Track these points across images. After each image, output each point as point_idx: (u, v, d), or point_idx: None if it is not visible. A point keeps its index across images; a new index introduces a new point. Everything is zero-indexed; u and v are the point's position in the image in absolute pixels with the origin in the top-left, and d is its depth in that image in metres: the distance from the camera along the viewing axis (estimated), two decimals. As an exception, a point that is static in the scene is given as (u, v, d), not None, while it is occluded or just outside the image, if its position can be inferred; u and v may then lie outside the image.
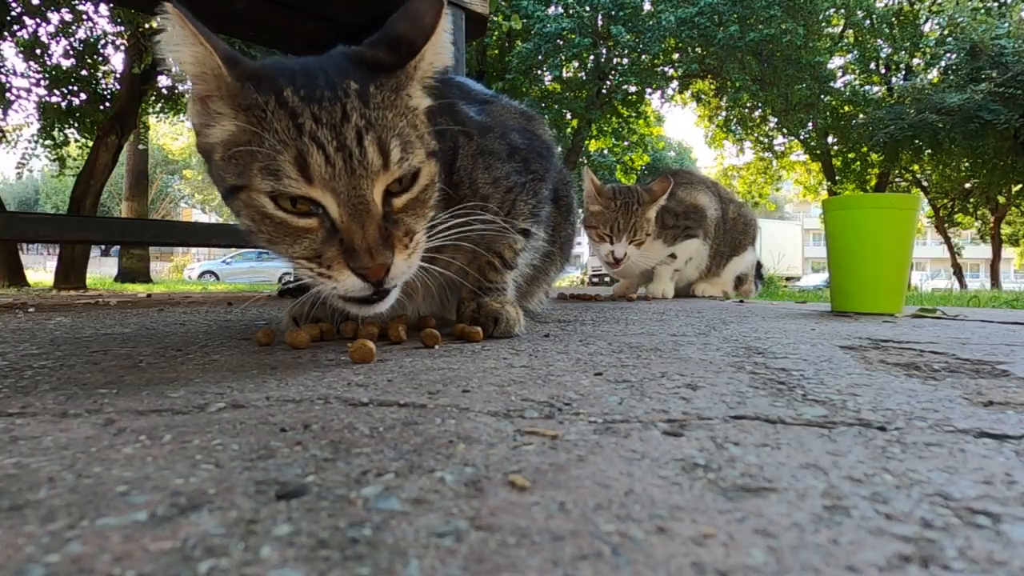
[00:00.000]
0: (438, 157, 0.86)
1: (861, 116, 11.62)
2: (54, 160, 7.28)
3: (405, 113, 0.79)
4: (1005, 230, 16.73)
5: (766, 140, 13.96)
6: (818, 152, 13.22)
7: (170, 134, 18.48)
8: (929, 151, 11.64)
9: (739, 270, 2.85)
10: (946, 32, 11.26)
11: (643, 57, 10.88)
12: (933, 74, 11.93)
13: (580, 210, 2.55)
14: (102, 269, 17.74)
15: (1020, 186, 12.53)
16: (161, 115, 9.02)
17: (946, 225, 14.95)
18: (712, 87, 12.81)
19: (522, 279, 1.26)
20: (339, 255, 0.73)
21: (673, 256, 2.67)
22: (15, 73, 6.53)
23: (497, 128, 1.11)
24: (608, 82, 11.49)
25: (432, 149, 0.83)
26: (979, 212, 15.08)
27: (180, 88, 8.06)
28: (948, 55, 11.22)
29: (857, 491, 0.36)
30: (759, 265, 3.16)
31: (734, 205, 2.92)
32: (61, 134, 7.14)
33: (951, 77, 10.99)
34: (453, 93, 1.08)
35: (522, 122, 1.23)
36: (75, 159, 7.89)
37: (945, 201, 14.67)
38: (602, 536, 0.30)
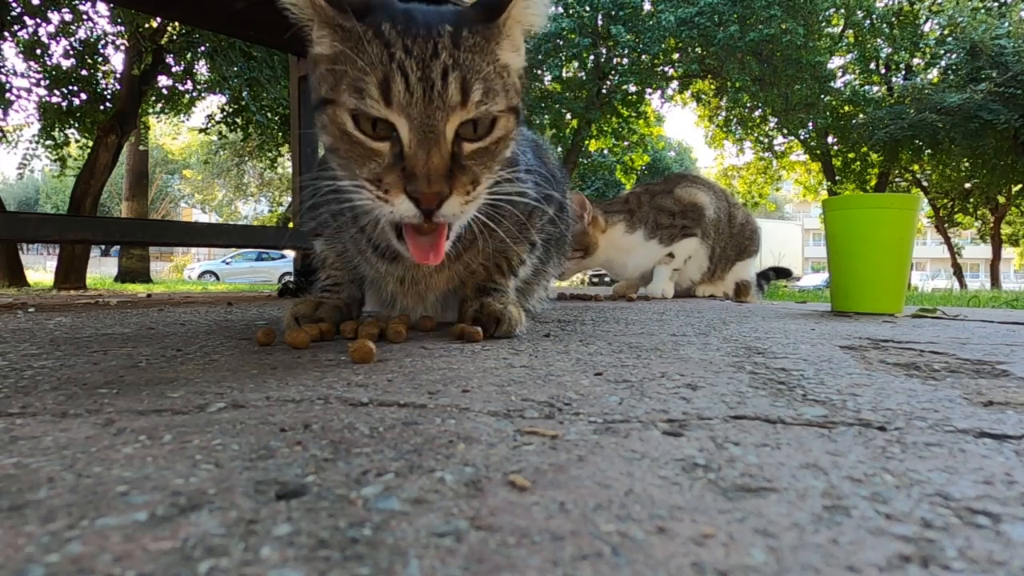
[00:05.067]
0: (520, 116, 0.89)
1: (861, 116, 11.62)
2: (55, 160, 7.27)
3: (494, 63, 0.82)
4: (1005, 230, 16.72)
5: (766, 140, 13.95)
6: (818, 152, 13.21)
7: (170, 134, 18.46)
8: (929, 151, 11.63)
9: (742, 275, 2.84)
10: (946, 32, 11.25)
11: (643, 57, 10.89)
12: (933, 74, 11.93)
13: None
14: (102, 269, 17.74)
15: (1020, 186, 12.51)
16: (161, 115, 9.01)
17: (946, 225, 14.94)
18: (712, 87, 12.81)
19: (522, 283, 1.28)
20: (398, 180, 0.77)
21: (671, 256, 2.67)
22: (15, 73, 6.53)
23: (520, 143, 1.14)
24: (608, 82, 11.50)
25: (514, 105, 0.85)
26: (979, 212, 15.07)
27: (180, 88, 8.07)
28: (948, 55, 11.21)
29: (857, 491, 0.36)
30: (776, 273, 3.17)
31: (742, 212, 2.93)
32: (61, 134, 7.13)
33: (951, 77, 10.99)
34: None
35: (532, 147, 1.26)
36: (75, 159, 7.89)
37: (945, 201, 14.66)
38: (602, 536, 0.30)
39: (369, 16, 0.79)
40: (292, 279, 2.82)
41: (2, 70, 6.36)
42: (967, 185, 13.63)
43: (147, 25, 6.65)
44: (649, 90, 12.07)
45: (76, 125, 7.13)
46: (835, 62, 12.44)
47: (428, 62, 0.76)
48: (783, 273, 3.25)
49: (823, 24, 11.70)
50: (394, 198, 0.78)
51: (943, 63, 11.51)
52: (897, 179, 13.77)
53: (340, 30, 0.80)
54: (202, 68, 7.82)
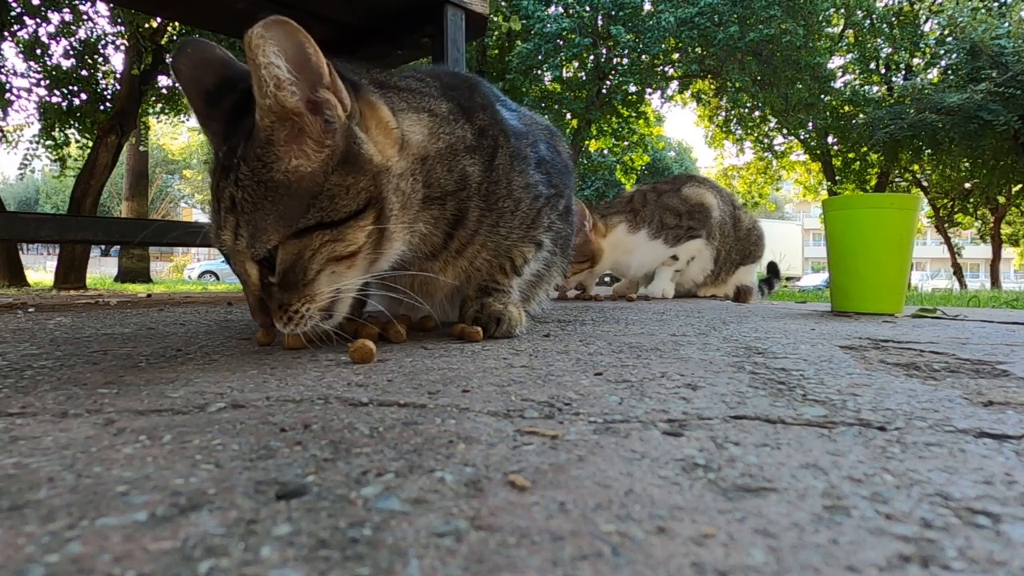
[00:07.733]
0: (337, 224, 0.77)
1: (861, 116, 11.62)
2: (55, 160, 7.27)
3: (267, 182, 0.73)
4: (1005, 230, 16.72)
5: (766, 140, 13.95)
6: (818, 152, 13.21)
7: (170, 134, 18.46)
8: (929, 151, 11.63)
9: (744, 280, 2.84)
10: (946, 32, 11.25)
11: (643, 57, 10.87)
12: (933, 74, 11.92)
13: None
14: (102, 269, 17.74)
15: (1020, 186, 12.51)
16: (161, 115, 9.01)
17: (946, 225, 14.94)
18: (712, 87, 12.82)
19: (526, 283, 1.26)
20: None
21: (675, 258, 2.66)
22: (15, 73, 6.53)
23: (530, 136, 1.12)
24: (608, 82, 11.48)
25: (301, 227, 0.75)
26: (979, 212, 15.07)
27: (179, 88, 8.05)
28: (948, 55, 11.20)
29: (857, 491, 0.36)
30: (776, 271, 3.15)
31: (748, 217, 2.92)
32: (62, 134, 7.13)
33: (951, 77, 10.99)
34: (490, 94, 1.09)
35: (547, 136, 1.23)
36: (75, 159, 7.89)
37: (945, 201, 14.65)
38: (602, 536, 0.30)
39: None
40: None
41: (2, 70, 6.36)
42: (967, 185, 13.63)
43: (147, 25, 6.65)
44: (649, 90, 12.05)
45: (76, 125, 7.13)
46: (835, 62, 12.45)
47: (218, 208, 0.77)
48: (774, 269, 3.21)
49: (823, 24, 11.69)
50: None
51: (943, 63, 11.50)
52: (897, 179, 13.77)
53: None
54: (202, 68, 7.80)
